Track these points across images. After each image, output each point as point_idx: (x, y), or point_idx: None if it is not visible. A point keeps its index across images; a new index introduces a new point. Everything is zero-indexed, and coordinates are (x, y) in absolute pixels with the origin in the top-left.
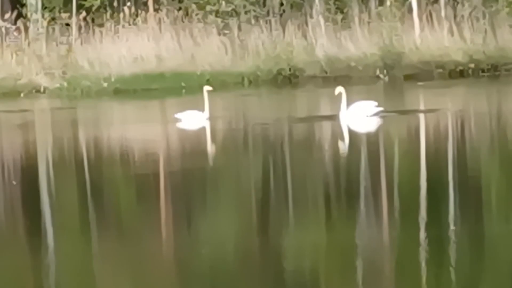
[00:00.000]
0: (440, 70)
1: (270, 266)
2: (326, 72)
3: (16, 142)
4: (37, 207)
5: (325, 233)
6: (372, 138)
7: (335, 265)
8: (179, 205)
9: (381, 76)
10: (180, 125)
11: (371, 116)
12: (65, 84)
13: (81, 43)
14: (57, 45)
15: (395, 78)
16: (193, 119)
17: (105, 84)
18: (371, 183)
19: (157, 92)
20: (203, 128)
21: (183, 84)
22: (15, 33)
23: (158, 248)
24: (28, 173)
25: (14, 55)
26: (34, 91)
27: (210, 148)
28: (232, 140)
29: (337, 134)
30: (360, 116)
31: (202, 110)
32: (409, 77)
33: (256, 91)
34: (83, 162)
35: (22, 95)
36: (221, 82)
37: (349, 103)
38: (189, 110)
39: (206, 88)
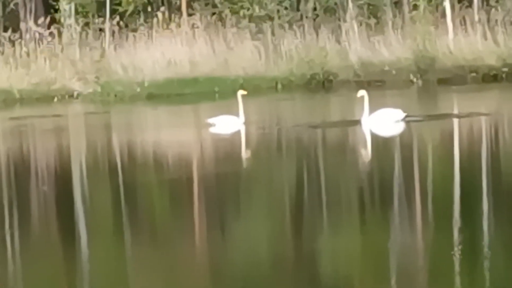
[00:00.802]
0: (474, 74)
1: (304, 271)
2: (360, 77)
3: (50, 147)
4: (71, 212)
5: (359, 238)
6: (397, 143)
7: (369, 269)
8: (213, 210)
9: (415, 80)
10: (214, 129)
11: (396, 122)
12: (99, 89)
13: (115, 48)
14: (90, 50)
15: (428, 82)
16: (228, 124)
17: (138, 89)
18: (400, 188)
19: (191, 96)
20: (238, 133)
21: (216, 89)
22: (49, 39)
23: (191, 253)
24: (62, 178)
25: (47, 60)
26: (67, 96)
27: (245, 152)
28: (266, 145)
29: (360, 139)
30: (384, 122)
31: (236, 114)
32: (442, 81)
33: (290, 95)
34: (116, 167)
35: (55, 100)
36: (255, 87)
37: (378, 108)
38: (223, 115)
39: (240, 92)
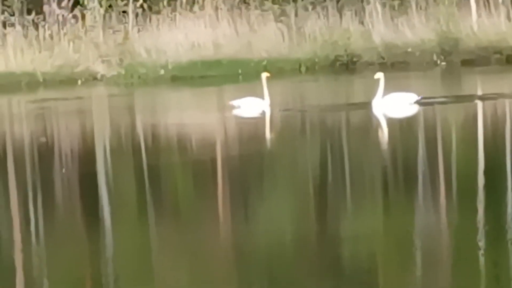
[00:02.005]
0: (498, 56)
1: (328, 252)
2: (383, 58)
3: (73, 129)
4: (95, 194)
5: (382, 218)
6: (411, 125)
7: (393, 251)
8: (237, 191)
9: (438, 61)
10: (238, 112)
11: (409, 105)
12: (122, 71)
13: (138, 31)
14: (113, 32)
15: (452, 63)
16: (253, 106)
17: (162, 71)
18: (421, 170)
19: (214, 79)
20: (262, 115)
21: (240, 71)
22: (72, 21)
23: (215, 234)
24: (86, 159)
25: (71, 43)
26: (91, 78)
27: (270, 134)
28: (290, 127)
29: (373, 122)
30: (396, 104)
31: (260, 96)
32: (466, 63)
33: (313, 77)
34: (140, 148)
35: (79, 82)
36: (278, 69)
37: (399, 90)
38: (247, 97)
39: (265, 74)
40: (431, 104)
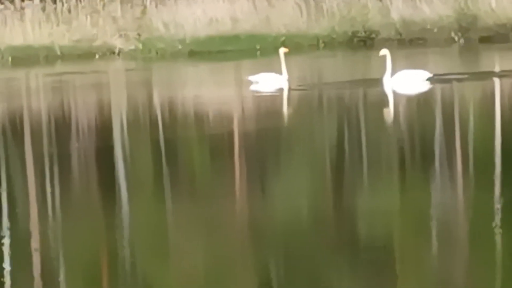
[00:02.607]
0: None
1: (344, 228)
2: (401, 35)
3: (90, 103)
4: (111, 167)
5: (399, 196)
6: (423, 102)
7: (409, 227)
8: (253, 165)
9: (456, 38)
10: (257, 87)
11: (421, 82)
12: (140, 46)
13: (156, 5)
14: (132, 7)
15: (470, 40)
16: (271, 81)
17: (179, 46)
18: (437, 146)
19: (232, 54)
20: (281, 90)
21: (257, 46)
22: None
23: (232, 208)
24: (103, 133)
25: (88, 17)
26: (108, 53)
27: (287, 110)
28: (306, 103)
29: (385, 99)
30: (407, 81)
31: (278, 72)
32: (484, 40)
33: (331, 53)
34: (157, 122)
35: (97, 56)
36: (296, 44)
37: (414, 67)
38: (265, 72)
39: (282, 50)
40: (444, 81)
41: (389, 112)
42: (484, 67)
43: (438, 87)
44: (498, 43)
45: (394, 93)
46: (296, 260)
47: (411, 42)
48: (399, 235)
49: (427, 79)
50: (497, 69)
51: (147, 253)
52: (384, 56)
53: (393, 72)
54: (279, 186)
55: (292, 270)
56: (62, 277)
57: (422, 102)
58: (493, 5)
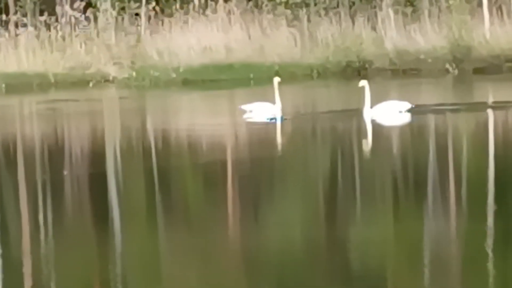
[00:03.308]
0: (510, 64)
1: (337, 258)
2: (395, 65)
3: (84, 130)
4: (104, 195)
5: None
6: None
7: (402, 256)
8: (247, 195)
9: (450, 69)
10: (250, 116)
11: (400, 113)
12: (134, 74)
13: (150, 34)
14: (126, 35)
15: (464, 71)
16: (264, 110)
17: (173, 75)
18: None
19: (226, 83)
20: (274, 120)
21: (251, 75)
22: (85, 23)
23: (225, 237)
24: (96, 161)
25: (83, 45)
26: (102, 80)
27: (280, 138)
28: (301, 132)
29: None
30: (387, 112)
31: (271, 101)
32: (478, 71)
33: (325, 83)
34: (150, 151)
35: (90, 84)
36: (290, 74)
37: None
38: (258, 101)
39: (277, 79)
40: (426, 112)
41: (367, 143)
42: (476, 98)
43: (420, 118)
44: (492, 74)
45: (371, 124)
46: None
47: (405, 72)
48: (392, 265)
49: (408, 110)
50: (490, 100)
51: (140, 283)
52: (363, 88)
53: (374, 103)
54: (272, 215)
55: None
56: None
57: (402, 133)
58: (487, 36)
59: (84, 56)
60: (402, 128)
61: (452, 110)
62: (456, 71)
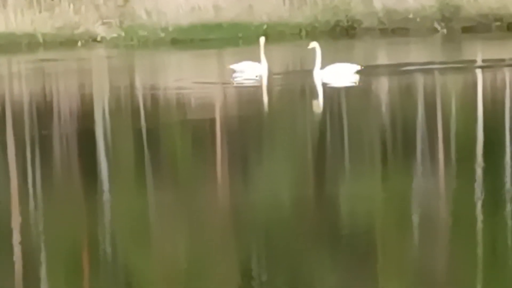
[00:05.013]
0: (498, 23)
1: (325, 216)
2: (384, 24)
3: (73, 89)
4: (93, 153)
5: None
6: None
7: (390, 214)
8: (235, 151)
9: (439, 28)
10: (236, 75)
11: (350, 74)
12: (122, 33)
13: None
14: None
15: (453, 30)
16: (250, 70)
17: (162, 34)
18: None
19: (214, 42)
20: (259, 79)
21: (240, 35)
22: None
23: (213, 196)
24: (84, 118)
25: (71, 4)
26: (91, 40)
27: (266, 97)
28: (287, 91)
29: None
30: (337, 74)
31: (259, 60)
32: (467, 30)
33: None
34: (139, 109)
35: (79, 44)
36: (279, 33)
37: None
38: (246, 61)
39: (262, 39)
40: (374, 74)
41: (318, 104)
42: (465, 56)
43: (368, 79)
44: (480, 33)
45: (321, 85)
46: (278, 249)
47: (394, 32)
48: (380, 222)
49: (357, 72)
50: (478, 58)
51: (128, 241)
52: (314, 49)
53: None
54: (260, 173)
55: (273, 258)
56: (43, 265)
57: (349, 94)
58: None
59: (72, 16)
60: (352, 89)
61: (440, 70)
62: (444, 30)
